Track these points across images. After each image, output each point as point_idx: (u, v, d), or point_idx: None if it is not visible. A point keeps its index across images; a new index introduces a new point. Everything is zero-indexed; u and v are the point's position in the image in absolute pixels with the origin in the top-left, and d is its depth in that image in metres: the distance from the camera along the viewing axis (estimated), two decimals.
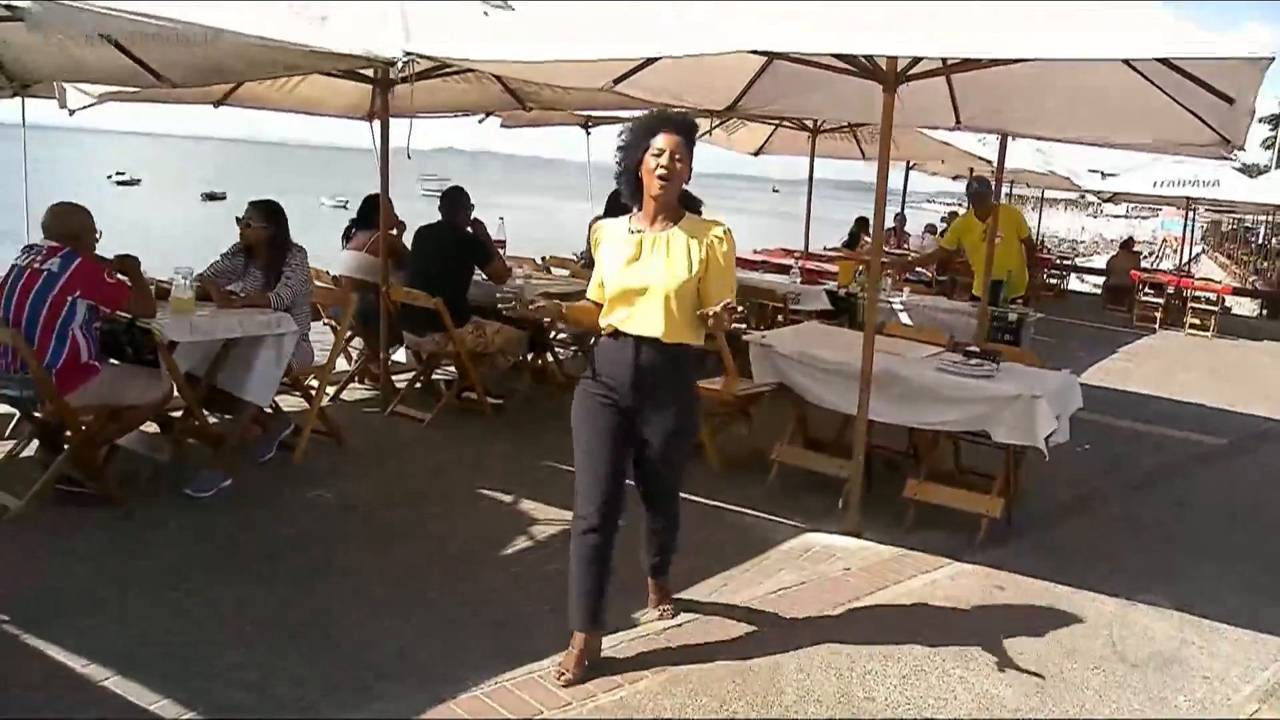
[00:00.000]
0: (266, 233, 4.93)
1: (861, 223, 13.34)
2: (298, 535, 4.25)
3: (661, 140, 3.04)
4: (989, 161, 11.25)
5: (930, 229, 15.28)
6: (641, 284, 3.08)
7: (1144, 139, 5.42)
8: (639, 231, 3.14)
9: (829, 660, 3.40)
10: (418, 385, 6.30)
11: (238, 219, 4.98)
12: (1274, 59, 3.05)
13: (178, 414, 4.89)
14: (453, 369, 6.35)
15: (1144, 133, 5.19)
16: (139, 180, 58.97)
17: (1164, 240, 38.29)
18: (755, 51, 5.01)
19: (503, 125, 8.58)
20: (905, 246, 13.49)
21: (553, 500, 4.67)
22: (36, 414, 4.33)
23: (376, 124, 7.30)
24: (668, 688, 3.13)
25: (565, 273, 7.94)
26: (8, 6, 2.83)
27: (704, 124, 8.95)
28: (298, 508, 4.54)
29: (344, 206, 42.76)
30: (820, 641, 3.53)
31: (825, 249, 12.45)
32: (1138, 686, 3.40)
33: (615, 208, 6.97)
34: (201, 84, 5.11)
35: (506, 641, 3.40)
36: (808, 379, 4.94)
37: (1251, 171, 23.98)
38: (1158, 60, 4.07)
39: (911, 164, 14.08)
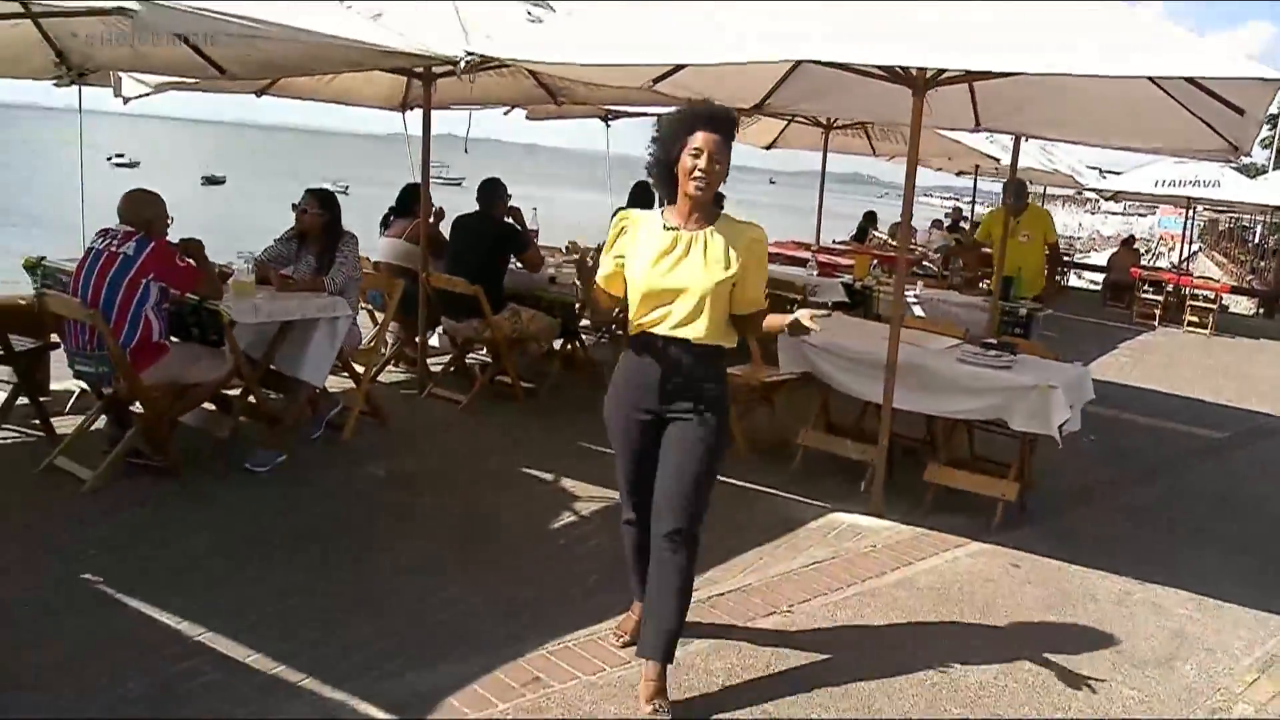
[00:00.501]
0: (321, 219, 5.14)
1: (870, 217, 13.57)
2: (350, 510, 4.49)
3: (700, 139, 2.88)
4: (995, 159, 11.54)
5: (937, 224, 15.49)
6: (679, 284, 2.95)
7: (1157, 144, 5.66)
8: (674, 229, 2.99)
9: (863, 626, 3.68)
10: (452, 369, 6.54)
11: (293, 205, 5.20)
12: None
13: (234, 392, 5.12)
14: (486, 353, 6.59)
15: (1157, 138, 5.43)
16: (138, 163, 58.88)
17: (1160, 238, 38.59)
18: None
19: (528, 118, 8.79)
20: (912, 241, 13.68)
21: (589, 478, 4.91)
22: (107, 389, 4.55)
23: (409, 114, 7.59)
24: (717, 649, 3.39)
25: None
26: (120, 8, 3.03)
27: None
28: (348, 483, 4.78)
29: (344, 192, 42.85)
30: (853, 610, 3.81)
31: (834, 242, 12.67)
32: (1148, 656, 3.68)
33: (638, 199, 7.20)
34: (258, 77, 5.32)
35: (562, 608, 3.63)
36: (834, 368, 5.18)
37: (1249, 171, 24.21)
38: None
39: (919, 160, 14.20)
